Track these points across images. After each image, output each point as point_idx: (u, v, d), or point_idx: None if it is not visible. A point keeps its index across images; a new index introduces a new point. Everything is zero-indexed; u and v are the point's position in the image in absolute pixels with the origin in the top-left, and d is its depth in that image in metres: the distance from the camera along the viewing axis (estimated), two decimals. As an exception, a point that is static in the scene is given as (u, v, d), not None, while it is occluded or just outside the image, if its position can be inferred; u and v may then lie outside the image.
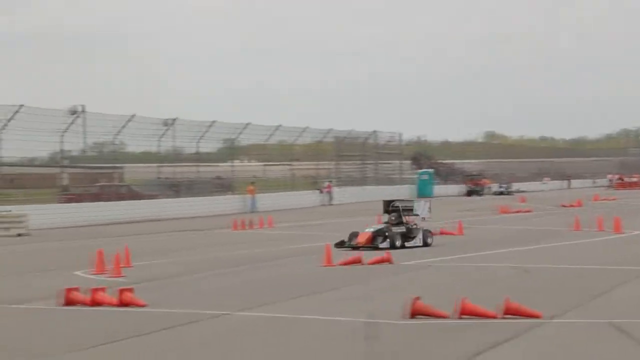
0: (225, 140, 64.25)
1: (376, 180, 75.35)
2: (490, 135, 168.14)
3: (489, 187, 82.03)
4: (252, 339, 12.89)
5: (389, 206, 27.98)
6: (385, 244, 25.97)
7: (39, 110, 46.58)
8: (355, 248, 25.78)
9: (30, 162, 56.26)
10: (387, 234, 26.44)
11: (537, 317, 13.68)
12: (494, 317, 13.63)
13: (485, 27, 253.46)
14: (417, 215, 27.85)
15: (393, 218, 27.20)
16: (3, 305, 16.61)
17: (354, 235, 26.71)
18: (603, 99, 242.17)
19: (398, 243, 26.26)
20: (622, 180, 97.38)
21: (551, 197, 70.33)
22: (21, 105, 44.85)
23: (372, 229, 26.65)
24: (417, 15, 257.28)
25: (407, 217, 27.61)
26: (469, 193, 79.07)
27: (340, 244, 26.41)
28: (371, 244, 26.02)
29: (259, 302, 16.36)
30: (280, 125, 65.89)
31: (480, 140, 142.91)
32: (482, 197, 74.95)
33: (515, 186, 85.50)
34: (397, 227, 26.92)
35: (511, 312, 13.79)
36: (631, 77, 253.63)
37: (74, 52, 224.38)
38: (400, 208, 27.68)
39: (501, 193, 79.44)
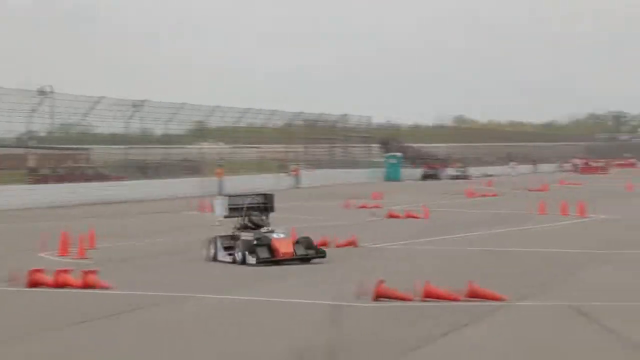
0: (194, 123, 64.14)
1: (345, 163, 75.46)
2: (460, 120, 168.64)
3: (464, 171, 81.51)
4: (217, 322, 12.90)
5: (238, 203, 20.82)
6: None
7: (6, 90, 46.23)
8: (277, 262, 19.20)
9: (-4, 143, 55.91)
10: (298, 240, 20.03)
11: (501, 300, 13.79)
12: (458, 300, 13.73)
13: (456, 13, 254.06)
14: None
15: (264, 218, 20.56)
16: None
17: (249, 242, 19.52)
18: (571, 83, 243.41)
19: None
20: (588, 164, 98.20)
21: (518, 181, 70.67)
22: (-13, 85, 44.49)
23: (282, 235, 19.88)
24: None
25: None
26: (425, 177, 78.36)
27: (261, 259, 19.20)
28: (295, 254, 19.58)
29: (226, 285, 16.39)
30: (249, 108, 65.89)
31: (449, 124, 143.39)
32: (440, 182, 74.24)
33: (482, 170, 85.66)
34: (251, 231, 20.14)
35: (475, 295, 13.91)
36: (600, 61, 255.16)
37: (45, 31, 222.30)
38: (261, 206, 21.03)
39: (457, 177, 78.78)
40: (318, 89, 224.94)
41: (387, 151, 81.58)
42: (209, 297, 14.99)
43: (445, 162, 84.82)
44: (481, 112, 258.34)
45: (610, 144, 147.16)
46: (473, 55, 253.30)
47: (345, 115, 78.69)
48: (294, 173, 64.72)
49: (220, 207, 21.13)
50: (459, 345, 11.03)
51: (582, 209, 32.44)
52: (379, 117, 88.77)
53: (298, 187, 62.65)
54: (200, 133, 65.68)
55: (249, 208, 20.67)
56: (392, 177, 75.22)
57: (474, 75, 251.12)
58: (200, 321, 12.95)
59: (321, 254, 19.84)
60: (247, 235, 19.90)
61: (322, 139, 75.60)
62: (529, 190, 53.71)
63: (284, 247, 19.47)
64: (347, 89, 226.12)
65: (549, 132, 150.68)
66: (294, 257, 19.44)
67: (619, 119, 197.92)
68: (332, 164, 73.87)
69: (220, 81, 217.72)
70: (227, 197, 21.44)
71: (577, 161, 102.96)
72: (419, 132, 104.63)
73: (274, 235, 19.76)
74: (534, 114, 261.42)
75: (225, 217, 20.94)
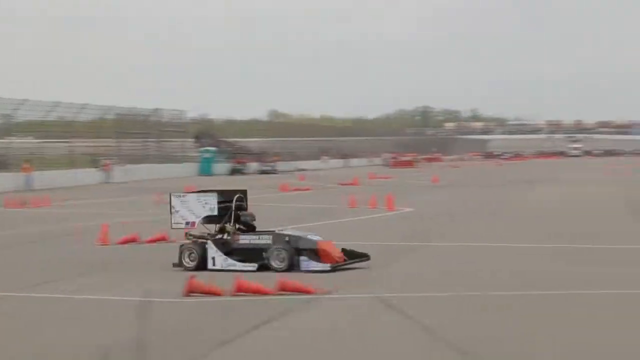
0: (1, 116, 62.15)
1: (159, 158, 74.74)
2: (274, 114, 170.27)
3: (273, 165, 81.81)
4: (26, 320, 12.68)
5: (227, 200, 17.78)
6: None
7: None
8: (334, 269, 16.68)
9: None
10: None
11: (310, 293, 14.09)
12: (269, 294, 13.96)
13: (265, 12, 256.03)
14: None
15: (254, 217, 18.21)
16: None
17: (290, 246, 16.79)
18: (382, 80, 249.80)
19: None
20: (397, 159, 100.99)
21: (330, 175, 71.83)
22: None
23: (316, 237, 17.49)
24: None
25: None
26: (233, 172, 77.55)
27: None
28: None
29: (34, 282, 16.08)
30: (59, 102, 64.34)
31: (264, 118, 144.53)
32: (247, 177, 73.32)
33: (295, 165, 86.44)
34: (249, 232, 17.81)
35: (286, 288, 14.18)
36: (407, 60, 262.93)
37: None
38: (242, 204, 18.20)
39: (265, 172, 78.85)
40: (130, 84, 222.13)
41: (201, 145, 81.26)
42: (16, 295, 14.67)
43: (259, 156, 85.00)
44: (292, 106, 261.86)
45: (418, 138, 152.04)
46: (282, 52, 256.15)
47: (158, 109, 78.03)
48: (106, 168, 63.47)
49: (198, 205, 17.48)
50: (268, 338, 11.22)
51: (391, 202, 33.37)
52: (193, 112, 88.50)
53: (109, 182, 61.46)
54: (7, 127, 63.63)
55: (235, 207, 17.69)
56: (205, 171, 75.00)
57: (286, 69, 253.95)
58: (7, 321, 12.70)
59: (363, 257, 17.65)
60: (262, 238, 17.08)
61: (135, 134, 74.60)
62: (340, 185, 54.70)
63: (335, 252, 17.09)
64: (160, 84, 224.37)
65: (359, 127, 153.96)
66: (346, 261, 17.13)
67: (425, 114, 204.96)
68: (146, 159, 73.00)
69: (28, 74, 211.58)
70: (214, 194, 17.77)
71: (387, 155, 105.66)
72: (233, 126, 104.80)
73: (312, 237, 17.17)
74: (343, 108, 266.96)
75: (206, 217, 17.60)
